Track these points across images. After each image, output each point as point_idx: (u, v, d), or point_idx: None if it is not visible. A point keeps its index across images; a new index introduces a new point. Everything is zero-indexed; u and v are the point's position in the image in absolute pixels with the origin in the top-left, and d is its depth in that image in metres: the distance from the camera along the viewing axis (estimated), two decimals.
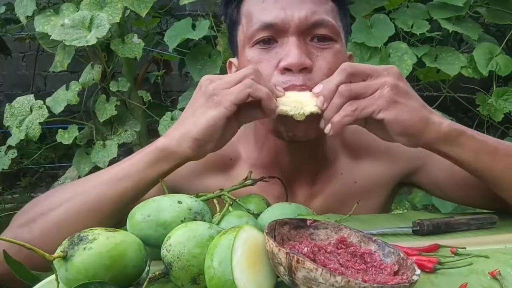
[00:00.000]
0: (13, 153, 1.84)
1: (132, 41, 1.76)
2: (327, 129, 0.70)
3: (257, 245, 0.54)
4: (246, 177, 0.78)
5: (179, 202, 0.63)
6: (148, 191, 0.76)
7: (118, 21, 1.70)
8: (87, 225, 0.63)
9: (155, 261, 0.62)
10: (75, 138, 1.85)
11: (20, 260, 0.60)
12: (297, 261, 0.49)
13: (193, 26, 1.79)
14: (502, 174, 0.76)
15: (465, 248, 0.68)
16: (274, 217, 0.63)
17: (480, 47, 1.80)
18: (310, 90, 0.74)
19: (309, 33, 0.81)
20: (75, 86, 1.83)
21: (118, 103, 1.85)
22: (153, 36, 2.21)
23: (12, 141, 1.78)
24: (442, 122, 0.72)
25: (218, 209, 0.70)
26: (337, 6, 0.85)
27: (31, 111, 1.77)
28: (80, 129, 1.89)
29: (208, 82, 0.73)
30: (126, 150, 2.47)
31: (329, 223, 0.63)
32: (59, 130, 1.87)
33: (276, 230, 0.59)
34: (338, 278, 0.47)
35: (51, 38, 1.67)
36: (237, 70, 0.89)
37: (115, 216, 0.75)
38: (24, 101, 1.79)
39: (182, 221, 0.61)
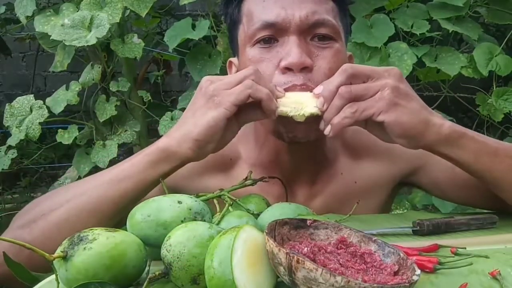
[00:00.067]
0: (13, 153, 1.84)
1: (132, 41, 1.76)
2: (327, 130, 0.70)
3: (257, 245, 0.54)
4: (246, 177, 0.78)
5: (179, 202, 0.63)
6: (149, 192, 0.76)
7: (118, 21, 1.70)
8: (88, 225, 0.63)
9: (155, 261, 0.62)
10: (75, 138, 1.85)
11: (21, 261, 0.60)
12: (297, 261, 0.49)
13: (193, 26, 1.79)
14: (502, 175, 0.76)
15: (465, 248, 0.68)
16: (274, 217, 0.63)
17: (480, 47, 1.80)
18: (311, 91, 0.74)
19: (310, 32, 0.81)
20: (75, 86, 1.83)
21: (118, 103, 1.85)
22: (153, 36, 2.21)
23: (12, 141, 1.78)
24: (443, 124, 0.72)
25: (218, 209, 0.70)
26: (337, 6, 0.85)
27: (31, 111, 1.77)
28: (80, 129, 1.89)
29: (209, 83, 0.73)
30: (126, 150, 2.47)
31: (329, 223, 0.63)
32: (59, 130, 1.87)
33: (276, 230, 0.59)
34: (338, 278, 0.47)
35: (51, 38, 1.67)
36: (237, 70, 0.89)
37: (116, 216, 0.75)
38: (24, 101, 1.79)
39: (182, 221, 0.61)
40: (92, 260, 0.55)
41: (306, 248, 0.56)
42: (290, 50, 0.78)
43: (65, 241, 0.57)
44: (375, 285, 0.49)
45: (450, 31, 1.79)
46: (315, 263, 0.53)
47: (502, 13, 1.90)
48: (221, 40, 1.83)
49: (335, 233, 0.62)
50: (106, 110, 1.83)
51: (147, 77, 2.62)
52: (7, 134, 2.02)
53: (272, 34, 0.81)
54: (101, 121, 1.84)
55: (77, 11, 1.72)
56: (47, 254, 0.55)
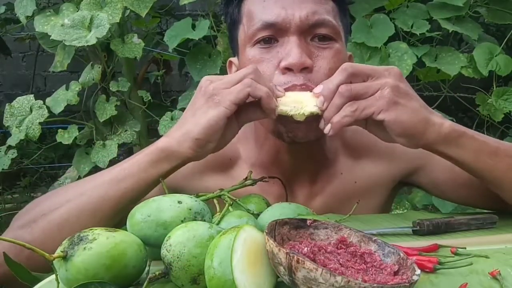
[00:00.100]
0: (13, 153, 1.85)
1: (132, 41, 1.76)
2: (327, 129, 0.70)
3: (257, 245, 0.54)
4: (246, 177, 0.78)
5: (179, 202, 0.63)
6: (149, 191, 0.76)
7: (118, 21, 1.70)
8: (88, 225, 0.63)
9: (155, 261, 0.62)
10: (75, 138, 1.85)
11: (21, 261, 0.60)
12: (297, 261, 0.49)
13: (193, 26, 1.79)
14: (502, 175, 0.76)
15: (465, 248, 0.68)
16: (274, 217, 0.63)
17: (480, 47, 1.81)
18: (311, 90, 0.74)
19: (310, 32, 0.81)
20: (75, 86, 1.83)
21: (118, 103, 1.85)
22: (153, 36, 2.21)
23: (12, 141, 1.78)
24: (443, 123, 0.72)
25: (218, 209, 0.70)
26: (337, 6, 0.85)
27: (31, 111, 1.78)
28: (80, 129, 1.89)
29: (208, 83, 0.73)
30: (126, 150, 2.47)
31: (329, 223, 0.63)
32: (59, 130, 1.87)
33: (276, 230, 0.59)
34: (338, 278, 0.47)
35: (51, 38, 1.67)
36: (237, 70, 0.89)
37: (116, 216, 0.75)
38: (24, 101, 1.79)
39: (182, 221, 0.61)
40: (92, 260, 0.55)
41: (306, 248, 0.56)
42: (290, 50, 0.78)
43: (65, 241, 0.57)
44: (375, 285, 0.49)
45: (450, 31, 1.79)
46: (315, 263, 0.53)
47: (502, 13, 1.90)
48: (221, 40, 1.83)
49: (335, 233, 0.62)
50: (106, 110, 1.83)
51: (147, 77, 2.62)
52: (7, 134, 2.03)
53: (272, 34, 0.81)
54: (101, 121, 1.84)
55: (77, 11, 1.72)
56: (47, 254, 0.55)
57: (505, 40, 1.94)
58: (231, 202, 0.70)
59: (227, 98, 0.70)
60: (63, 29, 1.64)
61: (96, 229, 0.58)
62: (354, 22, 1.75)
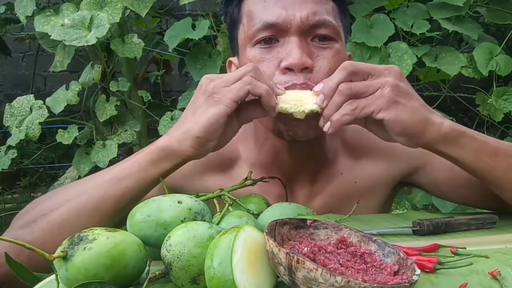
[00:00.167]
0: (13, 153, 1.85)
1: (132, 41, 1.76)
2: (326, 127, 0.70)
3: (257, 245, 0.54)
4: (246, 177, 0.78)
5: (179, 202, 0.63)
6: (150, 191, 0.76)
7: (118, 21, 1.70)
8: (88, 225, 0.63)
9: (155, 261, 0.62)
10: (75, 138, 1.85)
11: (21, 260, 0.60)
12: (297, 261, 0.49)
13: (193, 26, 1.79)
14: (502, 175, 0.76)
15: (465, 248, 0.68)
16: (274, 217, 0.63)
17: (480, 47, 1.81)
18: (311, 89, 0.74)
19: (310, 33, 0.81)
20: (75, 86, 1.83)
21: (118, 103, 1.85)
22: (153, 36, 2.22)
23: (12, 141, 1.78)
24: (443, 123, 0.72)
25: (218, 209, 0.70)
26: (337, 6, 0.85)
27: (31, 111, 1.78)
28: (80, 129, 1.89)
29: (208, 81, 0.73)
30: (126, 150, 2.47)
31: (329, 223, 0.63)
32: (59, 130, 1.87)
33: (276, 230, 0.59)
34: (338, 278, 0.47)
35: (51, 38, 1.67)
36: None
37: (116, 216, 0.75)
38: (24, 101, 1.79)
39: (182, 221, 0.61)
40: (92, 260, 0.55)
41: (306, 248, 0.56)
42: (291, 50, 0.78)
43: (65, 241, 0.57)
44: (375, 285, 0.49)
45: (450, 31, 1.79)
46: (315, 263, 0.53)
47: (502, 13, 1.90)
48: (221, 40, 1.83)
49: (335, 233, 0.62)
50: (106, 110, 1.83)
51: (147, 77, 2.62)
52: (7, 134, 2.03)
53: (273, 35, 0.81)
54: (101, 121, 1.84)
55: (77, 11, 1.72)
56: (47, 254, 0.55)
57: (505, 40, 1.94)
58: (231, 202, 0.70)
59: (227, 96, 0.70)
60: (63, 29, 1.64)
61: (96, 229, 0.58)
62: (354, 22, 1.75)
